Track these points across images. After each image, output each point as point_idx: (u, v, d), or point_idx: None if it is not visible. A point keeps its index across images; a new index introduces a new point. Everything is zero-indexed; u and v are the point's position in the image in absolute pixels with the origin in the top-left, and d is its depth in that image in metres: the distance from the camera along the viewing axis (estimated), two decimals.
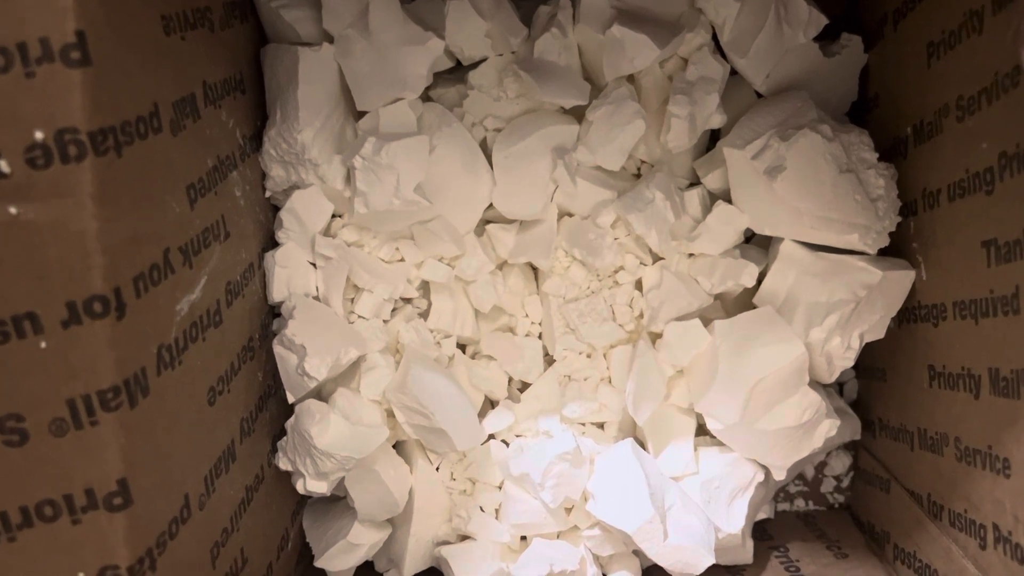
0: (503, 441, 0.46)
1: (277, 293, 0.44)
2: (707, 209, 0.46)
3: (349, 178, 0.43)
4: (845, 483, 0.54)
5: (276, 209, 0.45)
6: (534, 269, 0.48)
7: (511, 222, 0.46)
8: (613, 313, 0.46)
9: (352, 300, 0.45)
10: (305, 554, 0.47)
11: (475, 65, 0.45)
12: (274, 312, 0.45)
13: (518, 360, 0.46)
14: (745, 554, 0.47)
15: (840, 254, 0.44)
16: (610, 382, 0.47)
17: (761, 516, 0.50)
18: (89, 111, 0.26)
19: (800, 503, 0.54)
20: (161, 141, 0.31)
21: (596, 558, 0.45)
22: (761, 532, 0.51)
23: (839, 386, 0.53)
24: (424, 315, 0.46)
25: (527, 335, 0.47)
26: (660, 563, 0.43)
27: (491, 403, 0.48)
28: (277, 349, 0.42)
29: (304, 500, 0.48)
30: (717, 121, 0.45)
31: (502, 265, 0.47)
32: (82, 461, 0.28)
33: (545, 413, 0.46)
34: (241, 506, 0.39)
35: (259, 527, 0.41)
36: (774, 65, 0.45)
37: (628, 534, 0.42)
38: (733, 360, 0.43)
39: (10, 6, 0.25)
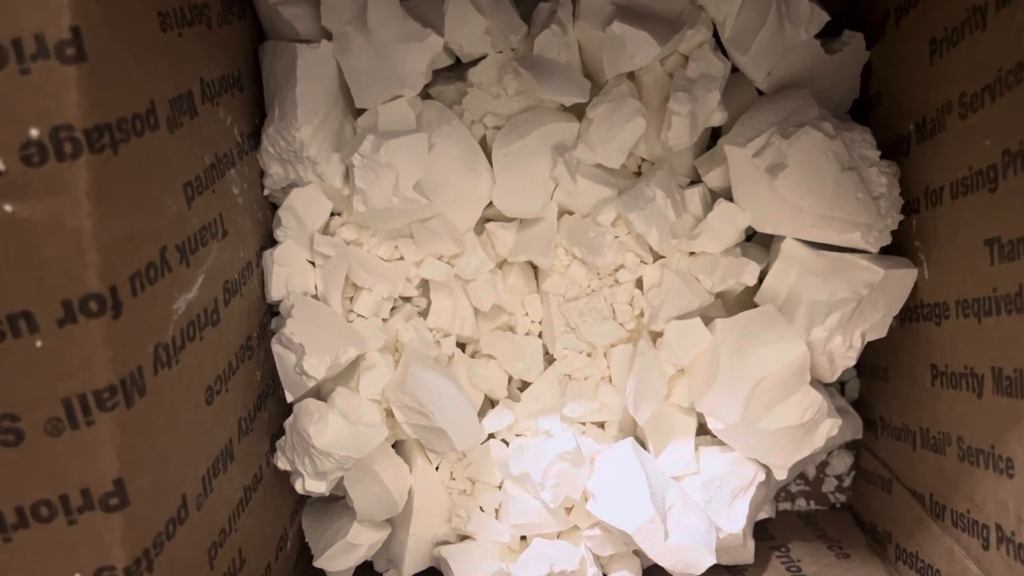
0: (503, 440, 0.46)
1: (275, 292, 0.43)
2: (708, 207, 0.46)
3: (348, 176, 0.43)
4: (847, 483, 0.54)
5: (274, 207, 0.45)
6: (534, 268, 0.47)
7: (511, 220, 0.46)
8: (613, 312, 0.46)
9: (351, 299, 0.45)
10: (304, 554, 0.47)
11: (475, 62, 0.45)
12: (272, 311, 0.45)
13: (518, 359, 0.46)
14: (746, 554, 0.47)
15: (842, 252, 0.44)
16: (610, 381, 0.46)
17: (762, 516, 0.49)
18: (85, 108, 0.26)
19: (801, 503, 0.54)
20: (158, 138, 0.31)
21: (596, 558, 0.45)
22: (762, 532, 0.51)
23: (841, 385, 0.53)
24: (423, 314, 0.46)
25: (527, 334, 0.47)
26: (661, 563, 0.43)
27: (491, 402, 0.48)
28: (275, 348, 0.42)
29: (303, 500, 0.48)
30: (718, 119, 0.45)
31: (502, 264, 0.46)
32: (78, 461, 0.27)
33: (545, 412, 0.46)
34: (239, 506, 0.38)
35: (257, 527, 0.41)
36: (775, 62, 0.45)
37: (628, 534, 0.42)
38: (734, 359, 0.42)
39: (5, 1, 0.25)
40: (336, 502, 0.47)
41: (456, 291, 0.46)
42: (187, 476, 0.33)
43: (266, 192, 0.44)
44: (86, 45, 0.26)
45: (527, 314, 0.47)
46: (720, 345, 0.43)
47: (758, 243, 0.48)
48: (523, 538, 0.46)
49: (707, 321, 0.45)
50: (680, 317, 0.45)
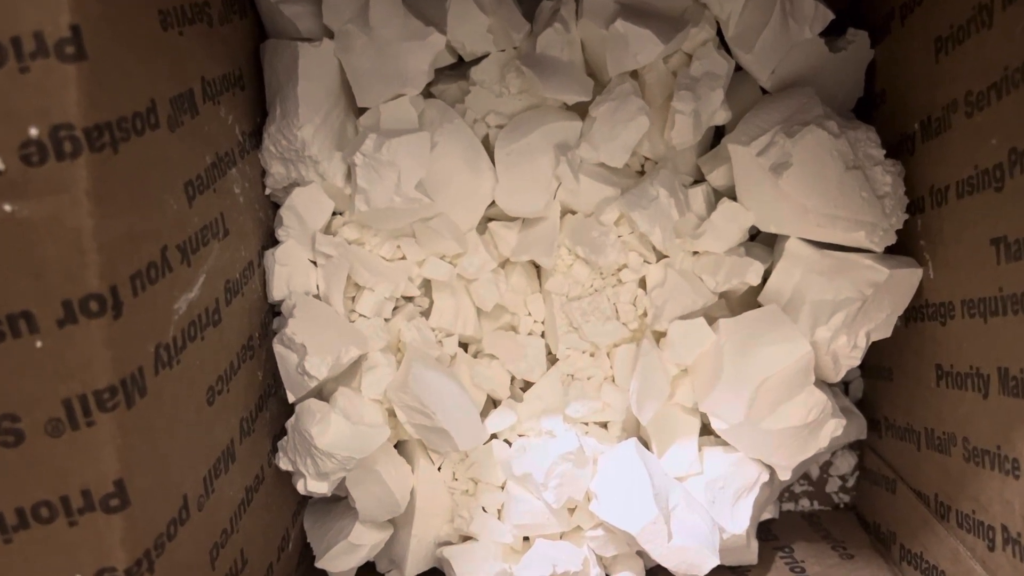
0: (505, 441, 0.46)
1: (277, 291, 0.43)
2: (712, 206, 0.45)
3: (350, 175, 0.43)
4: (851, 483, 0.54)
5: (276, 206, 0.45)
6: (537, 267, 0.47)
7: (513, 220, 0.46)
8: (616, 312, 0.45)
9: (353, 298, 0.44)
10: (306, 555, 0.47)
11: (477, 61, 0.45)
12: (274, 311, 0.44)
13: (521, 359, 0.46)
14: (750, 554, 0.47)
15: (846, 252, 0.44)
16: (613, 381, 0.46)
17: (766, 516, 0.49)
18: (84, 107, 0.26)
19: (805, 503, 0.54)
20: (158, 137, 0.31)
21: (599, 559, 0.45)
22: (766, 532, 0.51)
23: (845, 385, 0.53)
24: (426, 314, 0.46)
25: (530, 334, 0.47)
26: (664, 564, 0.42)
27: (493, 402, 0.47)
28: (277, 348, 0.42)
29: (305, 500, 0.48)
30: (722, 117, 0.45)
31: (504, 263, 0.46)
32: (79, 462, 0.27)
33: (548, 412, 0.46)
34: (241, 507, 0.38)
35: (259, 528, 0.41)
36: (779, 61, 0.45)
37: (632, 535, 0.42)
38: (738, 359, 0.42)
39: (4, 0, 0.25)
40: (338, 503, 0.47)
41: (458, 291, 0.46)
42: (188, 477, 0.33)
43: (267, 191, 0.44)
44: (86, 43, 0.26)
45: (530, 314, 0.47)
46: (724, 345, 0.43)
47: (762, 242, 0.48)
48: (526, 539, 0.46)
49: (711, 321, 0.44)
50: (683, 317, 0.44)
